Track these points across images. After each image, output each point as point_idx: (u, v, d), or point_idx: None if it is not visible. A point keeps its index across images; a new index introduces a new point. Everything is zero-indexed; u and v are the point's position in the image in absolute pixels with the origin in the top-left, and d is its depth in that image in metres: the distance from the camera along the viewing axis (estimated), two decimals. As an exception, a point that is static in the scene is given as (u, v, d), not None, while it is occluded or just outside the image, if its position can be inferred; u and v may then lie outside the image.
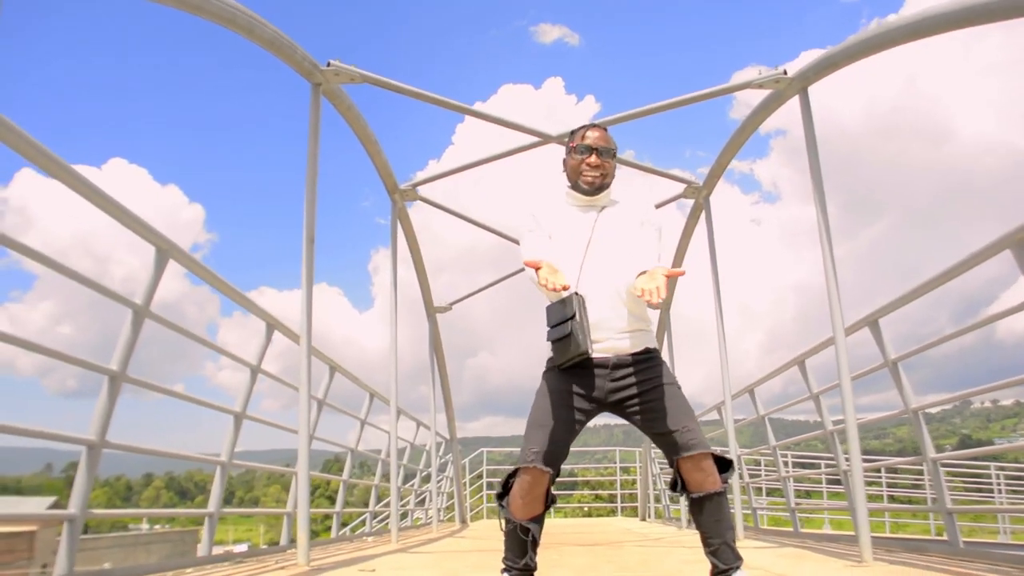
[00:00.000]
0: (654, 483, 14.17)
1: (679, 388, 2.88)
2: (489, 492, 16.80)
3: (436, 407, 11.00)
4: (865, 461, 5.37)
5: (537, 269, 2.65)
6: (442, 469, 14.18)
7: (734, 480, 7.67)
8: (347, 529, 13.28)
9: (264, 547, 8.26)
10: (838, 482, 15.46)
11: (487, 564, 5.08)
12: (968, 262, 4.41)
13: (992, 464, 16.45)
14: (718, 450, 2.83)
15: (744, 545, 6.71)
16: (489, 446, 20.29)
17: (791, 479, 9.03)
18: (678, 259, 9.59)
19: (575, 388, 2.84)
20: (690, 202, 8.46)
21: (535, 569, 2.88)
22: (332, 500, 9.16)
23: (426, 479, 12.66)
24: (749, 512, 9.95)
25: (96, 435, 3.83)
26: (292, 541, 6.42)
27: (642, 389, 2.82)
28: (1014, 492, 17.05)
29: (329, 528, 8.98)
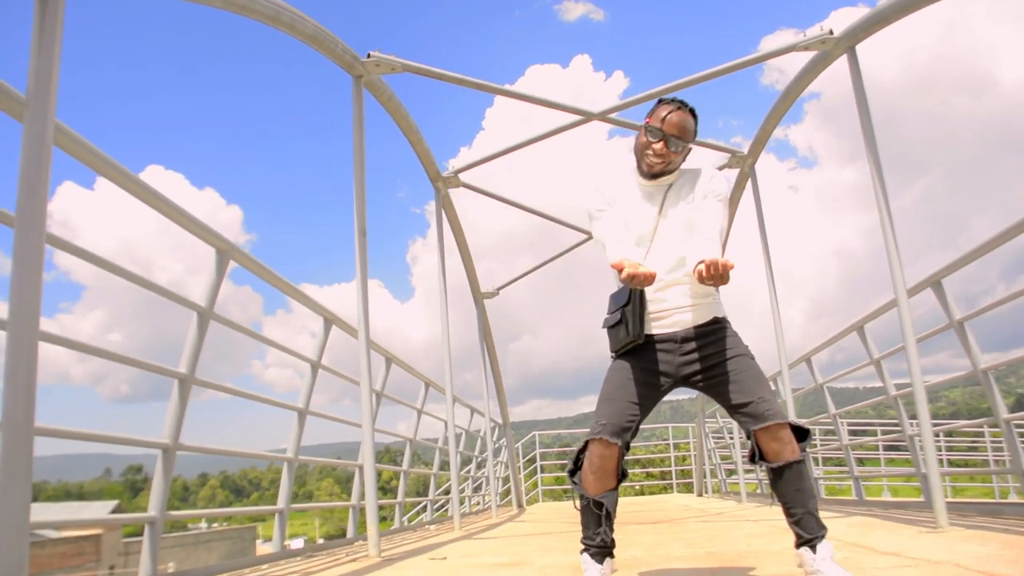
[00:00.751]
0: (709, 458, 14.11)
1: (752, 358, 2.84)
2: (543, 475, 16.85)
3: (488, 393, 11.03)
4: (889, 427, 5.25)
5: (620, 269, 2.56)
6: (496, 454, 14.27)
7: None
8: (405, 519, 13.42)
9: (331, 540, 8.34)
10: (896, 448, 15.31)
11: (551, 547, 5.10)
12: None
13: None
14: (795, 420, 2.79)
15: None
16: (537, 429, 20.35)
17: (851, 447, 8.91)
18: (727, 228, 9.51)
19: (646, 364, 2.83)
20: (735, 172, 8.36)
21: (613, 545, 2.86)
22: (384, 490, 9.22)
23: (481, 465, 12.74)
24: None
25: (170, 438, 3.90)
26: (358, 533, 6.49)
27: (713, 362, 2.79)
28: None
29: (384, 519, 9.07)
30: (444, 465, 9.47)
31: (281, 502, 5.46)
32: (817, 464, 13.53)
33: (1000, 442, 15.77)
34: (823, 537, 2.67)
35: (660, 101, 2.91)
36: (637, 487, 22.46)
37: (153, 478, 3.89)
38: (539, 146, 7.99)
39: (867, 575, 3.06)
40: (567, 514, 9.98)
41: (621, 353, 2.88)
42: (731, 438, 12.38)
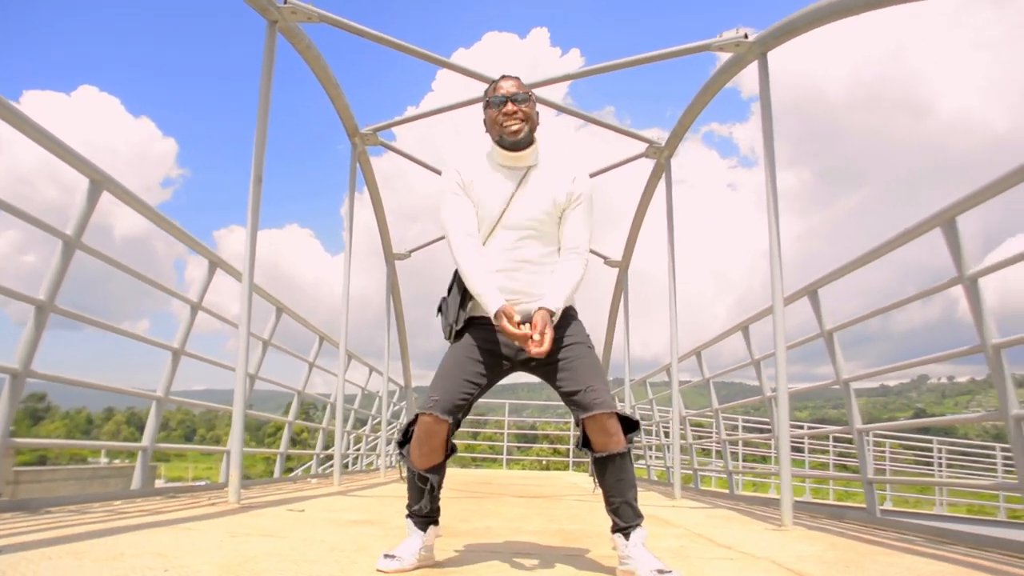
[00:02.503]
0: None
1: (590, 347, 2.90)
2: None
3: (392, 354, 11.02)
4: (795, 427, 5.42)
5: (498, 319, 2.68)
6: (397, 416, 14.28)
7: (674, 440, 7.79)
8: (300, 471, 13.39)
9: (201, 483, 8.28)
10: (795, 449, 15.89)
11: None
12: (901, 238, 4.50)
13: (935, 439, 16.91)
14: (622, 410, 2.85)
15: (679, 504, 6.90)
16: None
17: (728, 443, 9.17)
18: (637, 219, 9.63)
19: (485, 344, 2.86)
20: (652, 162, 8.46)
21: (437, 515, 2.91)
22: (295, 442, 9.21)
23: (378, 427, 12.74)
24: (690, 472, 10.14)
25: (20, 364, 3.80)
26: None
27: (553, 347, 2.81)
28: (952, 466, 17.55)
29: (292, 469, 9.06)
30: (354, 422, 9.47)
31: (146, 440, 5.40)
32: (737, 458, 13.94)
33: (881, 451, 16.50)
34: (638, 525, 2.76)
35: (485, 90, 3.01)
36: (544, 462, 22.68)
37: (-1, 402, 3.78)
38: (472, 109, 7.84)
39: (689, 565, 3.17)
40: (458, 481, 10.08)
41: (470, 326, 2.90)
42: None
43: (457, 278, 2.94)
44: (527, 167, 2.95)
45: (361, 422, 12.87)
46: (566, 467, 18.32)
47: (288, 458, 14.73)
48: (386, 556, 2.76)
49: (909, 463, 19.75)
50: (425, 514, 2.87)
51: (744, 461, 15.13)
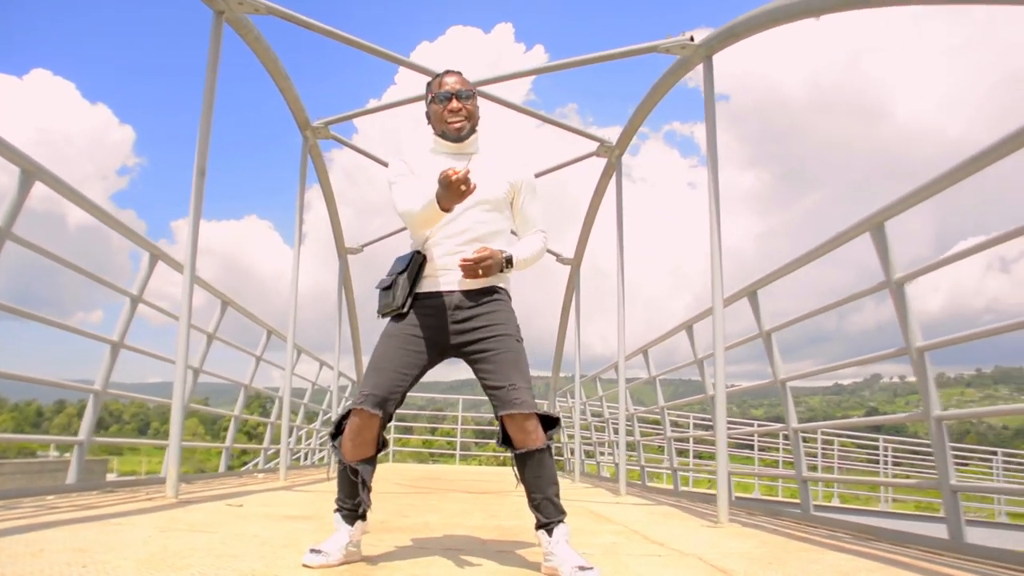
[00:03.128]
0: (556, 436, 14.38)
1: (518, 341, 2.93)
2: (398, 436, 16.91)
3: (345, 348, 10.97)
4: (746, 425, 5.49)
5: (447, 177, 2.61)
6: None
7: (620, 437, 7.85)
8: (250, 466, 13.28)
9: (141, 477, 8.21)
10: (745, 446, 16.12)
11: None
12: (833, 242, 4.60)
13: (881, 437, 17.28)
14: (542, 409, 2.88)
15: (623, 501, 6.96)
16: (413, 390, 20.32)
17: (673, 440, 9.29)
18: (589, 217, 9.68)
19: (416, 332, 2.88)
20: (603, 160, 8.52)
21: (367, 510, 2.91)
22: (250, 435, 9.13)
23: (329, 422, 12.68)
24: (636, 469, 10.22)
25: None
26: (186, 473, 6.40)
27: (479, 337, 2.86)
28: (899, 464, 17.96)
29: (245, 464, 8.99)
30: (305, 417, 9.39)
31: (82, 434, 5.33)
32: (659, 452, 14.05)
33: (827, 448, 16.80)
34: (560, 521, 2.79)
35: (428, 85, 3.11)
36: (500, 457, 22.68)
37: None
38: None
39: (616, 561, 3.21)
40: (408, 476, 10.08)
41: (394, 317, 2.93)
42: (583, 418, 12.68)
43: (412, 259, 2.92)
44: (470, 153, 3.05)
45: (313, 416, 12.81)
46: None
47: (244, 452, 14.64)
48: (312, 551, 2.77)
49: (860, 461, 20.14)
50: (353, 508, 2.88)
51: (699, 458, 15.32)
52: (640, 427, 10.52)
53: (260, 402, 11.16)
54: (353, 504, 2.87)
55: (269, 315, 8.84)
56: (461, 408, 16.43)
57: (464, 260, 2.81)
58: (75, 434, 5.34)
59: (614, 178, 8.30)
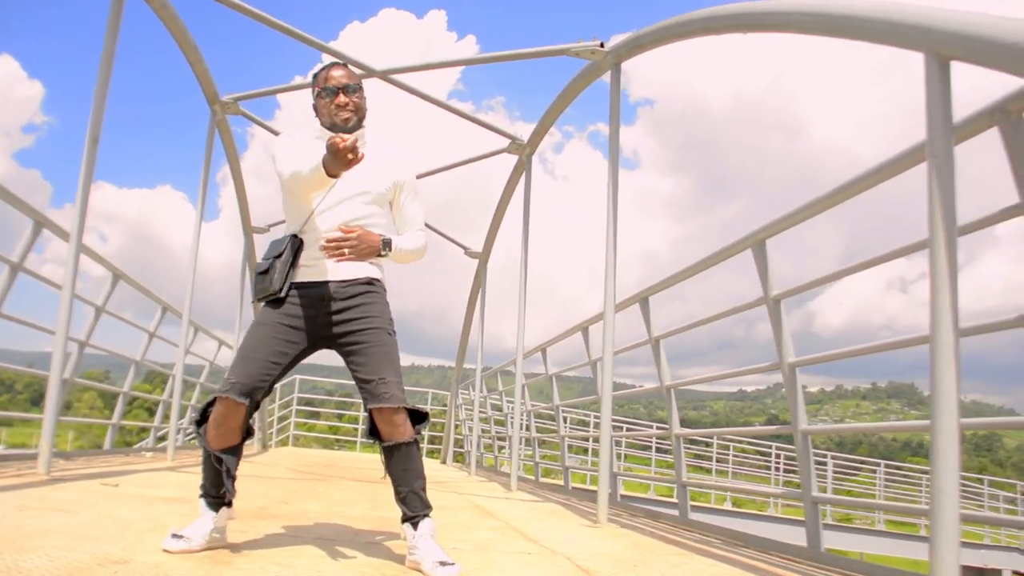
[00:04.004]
0: (457, 428, 14.44)
1: (390, 335, 2.94)
2: (298, 420, 16.70)
3: (244, 327, 10.75)
4: (618, 423, 5.60)
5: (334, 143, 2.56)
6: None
7: (514, 433, 7.93)
8: (145, 443, 12.92)
9: (15, 451, 7.92)
10: (662, 451, 16.45)
11: (248, 491, 5.08)
12: (719, 255, 4.77)
13: (773, 444, 17.94)
14: (410, 404, 2.91)
15: (512, 497, 7.03)
16: (311, 373, 20.06)
17: (566, 438, 9.44)
18: (499, 213, 9.74)
19: (290, 322, 2.86)
20: (514, 158, 8.57)
21: (231, 498, 2.88)
22: (151, 412, 8.88)
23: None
24: (531, 464, 10.34)
25: None
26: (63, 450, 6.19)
27: (352, 328, 2.86)
28: (790, 471, 18.64)
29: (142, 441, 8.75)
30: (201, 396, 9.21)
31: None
32: (558, 448, 14.21)
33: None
34: (427, 515, 2.82)
35: (315, 76, 3.08)
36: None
37: None
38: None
39: (485, 557, 3.25)
40: (300, 461, 9.97)
41: (267, 304, 2.91)
42: (483, 411, 12.74)
43: (290, 243, 2.90)
44: None
45: (208, 395, 12.54)
46: (428, 453, 18.37)
47: (143, 431, 14.11)
48: (174, 536, 2.73)
49: (755, 467, 20.79)
50: (217, 495, 2.85)
51: (596, 456, 15.56)
52: (538, 423, 10.64)
53: (163, 379, 10.86)
54: (218, 492, 2.84)
55: (179, 288, 8.65)
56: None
57: (329, 239, 2.79)
58: None
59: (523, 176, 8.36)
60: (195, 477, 5.87)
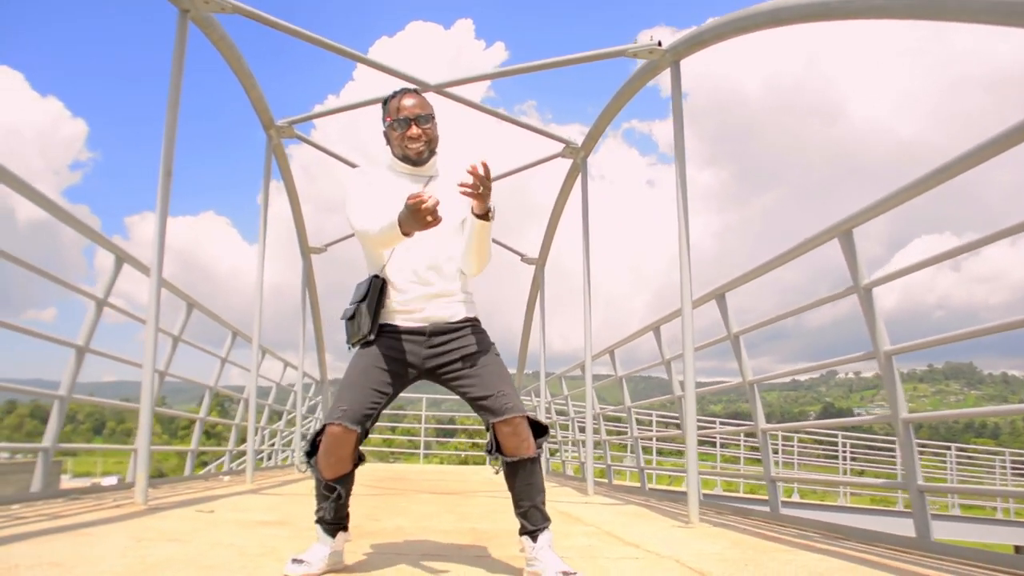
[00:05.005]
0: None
1: (497, 355, 2.95)
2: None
3: (308, 347, 10.88)
4: (705, 424, 5.58)
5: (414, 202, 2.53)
6: (313, 411, 14.11)
7: (587, 437, 7.91)
8: (213, 466, 13.12)
9: (112, 479, 8.08)
10: (708, 443, 16.28)
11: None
12: (803, 246, 4.68)
13: (840, 433, 17.60)
14: (533, 415, 2.90)
15: (592, 501, 7.01)
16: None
17: (640, 439, 9.36)
18: (554, 217, 9.73)
19: (392, 353, 2.86)
20: (568, 162, 8.57)
21: (346, 522, 2.92)
22: (209, 435, 9.01)
23: (292, 421, 12.58)
24: (603, 467, 10.29)
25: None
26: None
27: (458, 356, 2.86)
28: (856, 459, 18.32)
29: (205, 463, 8.88)
30: (268, 417, 9.32)
31: (47, 440, 5.24)
32: (623, 449, 14.16)
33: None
34: (546, 528, 2.82)
35: (385, 101, 3.02)
36: (463, 455, 22.67)
37: None
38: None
39: (594, 564, 3.24)
40: (372, 477, 10.03)
41: (364, 344, 2.91)
42: (549, 416, 12.73)
43: (372, 285, 2.90)
44: (429, 176, 3.02)
45: (277, 416, 12.70)
46: (484, 461, 18.37)
47: (202, 453, 14.37)
48: (294, 561, 2.76)
49: (816, 456, 20.46)
50: (333, 522, 2.87)
51: (661, 455, 15.48)
52: (604, 425, 10.60)
53: (218, 401, 11.05)
54: (333, 519, 2.86)
55: (228, 312, 8.78)
56: (425, 407, 16.33)
57: (474, 173, 2.63)
58: (30, 435, 5.24)
59: (579, 179, 8.35)
60: (279, 499, 6.02)
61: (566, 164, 8.73)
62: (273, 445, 13.05)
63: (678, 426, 15.46)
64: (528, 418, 2.82)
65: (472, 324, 2.96)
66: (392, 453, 19.18)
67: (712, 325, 6.14)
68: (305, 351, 10.61)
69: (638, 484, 9.35)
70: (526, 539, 2.83)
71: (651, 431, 13.96)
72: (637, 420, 9.35)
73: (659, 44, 5.72)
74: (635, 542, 4.06)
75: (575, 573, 2.65)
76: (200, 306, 7.70)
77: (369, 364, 2.83)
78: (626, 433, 11.91)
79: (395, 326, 2.88)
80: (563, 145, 8.33)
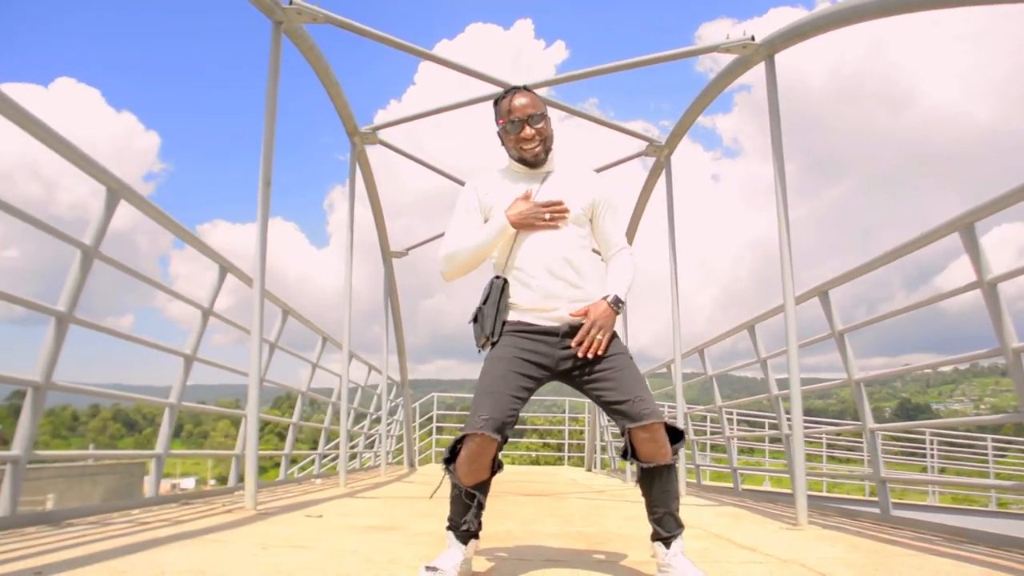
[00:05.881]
0: (601, 434, 14.36)
1: (630, 357, 2.90)
2: (439, 437, 16.91)
3: (388, 350, 10.97)
4: (808, 423, 5.50)
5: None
6: (393, 412, 14.25)
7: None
8: (295, 468, 13.33)
9: (211, 487, 8.27)
10: (779, 440, 15.95)
11: (433, 513, 5.14)
12: (919, 241, 4.51)
13: (927, 430, 17.04)
14: (671, 420, 2.86)
15: (686, 502, 6.87)
16: (439, 389, 20.39)
17: (735, 439, 9.22)
18: (636, 216, 9.64)
19: (525, 356, 2.83)
20: (651, 159, 8.48)
21: (479, 530, 2.90)
22: (281, 436, 9.18)
23: (376, 421, 12.70)
24: (692, 467, 10.17)
25: (42, 377, 3.77)
26: (240, 482, 6.43)
27: (592, 359, 2.83)
28: (945, 458, 17.73)
29: (277, 465, 9.00)
30: (337, 419, 9.44)
31: (160, 447, 5.37)
32: (704, 449, 13.98)
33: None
34: (679, 535, 2.78)
35: (496, 102, 3.01)
36: (533, 455, 22.65)
37: (20, 416, 3.74)
38: (467, 109, 7.89)
39: (720, 569, 3.20)
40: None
41: (507, 337, 2.89)
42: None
43: (492, 286, 2.91)
44: (546, 172, 3.01)
45: (359, 419, 12.86)
46: (556, 461, 18.29)
47: (294, 456, 14.58)
48: (428, 568, 2.76)
49: (901, 455, 19.89)
50: (468, 528, 2.86)
51: (742, 454, 15.21)
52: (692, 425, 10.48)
53: (289, 403, 11.21)
54: (468, 525, 2.85)
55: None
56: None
57: (580, 345, 2.78)
58: (113, 438, 5.38)
59: (662, 177, 8.26)
60: (377, 503, 6.08)
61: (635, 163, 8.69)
62: (354, 446, 13.20)
63: (765, 426, 15.30)
64: (665, 424, 2.78)
65: None
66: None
67: (805, 322, 6.01)
68: (390, 354, 10.72)
69: (728, 484, 9.22)
70: (659, 545, 2.79)
71: (745, 431, 13.75)
72: (718, 419, 9.22)
73: (752, 38, 5.60)
74: (750, 545, 4.00)
75: None
76: (295, 312, 7.83)
77: (507, 369, 2.80)
78: (709, 433, 11.76)
79: (528, 324, 2.86)
80: (646, 144, 8.23)
